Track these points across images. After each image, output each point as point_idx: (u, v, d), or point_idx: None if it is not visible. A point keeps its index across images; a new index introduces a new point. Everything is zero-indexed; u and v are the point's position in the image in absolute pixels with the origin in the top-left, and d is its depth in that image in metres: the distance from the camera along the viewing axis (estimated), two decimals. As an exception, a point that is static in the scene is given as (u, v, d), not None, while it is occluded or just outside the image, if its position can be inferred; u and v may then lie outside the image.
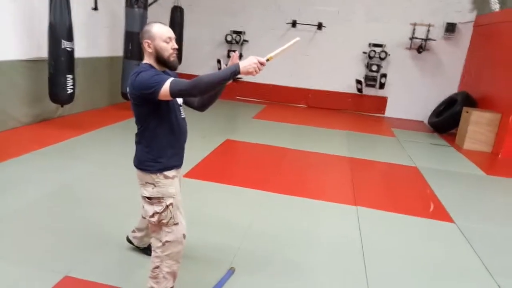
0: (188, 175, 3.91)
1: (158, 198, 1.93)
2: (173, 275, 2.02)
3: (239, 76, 1.79)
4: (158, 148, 1.92)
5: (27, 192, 3.28)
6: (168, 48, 1.87)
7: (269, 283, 2.39)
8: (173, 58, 1.89)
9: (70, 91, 4.98)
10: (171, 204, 1.94)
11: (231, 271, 2.41)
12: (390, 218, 3.48)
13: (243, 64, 1.72)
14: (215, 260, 2.55)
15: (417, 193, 4.22)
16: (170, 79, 1.76)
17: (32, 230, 2.73)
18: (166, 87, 1.73)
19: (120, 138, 5.07)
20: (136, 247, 2.52)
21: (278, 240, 2.91)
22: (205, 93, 1.84)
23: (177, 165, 2.03)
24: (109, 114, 6.32)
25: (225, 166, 4.65)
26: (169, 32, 1.89)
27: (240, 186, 3.87)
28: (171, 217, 1.95)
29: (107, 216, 3.02)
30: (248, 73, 1.73)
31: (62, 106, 5.31)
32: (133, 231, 2.49)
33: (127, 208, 3.08)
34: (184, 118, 2.05)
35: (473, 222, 3.54)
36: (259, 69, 1.74)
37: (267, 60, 1.78)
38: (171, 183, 1.96)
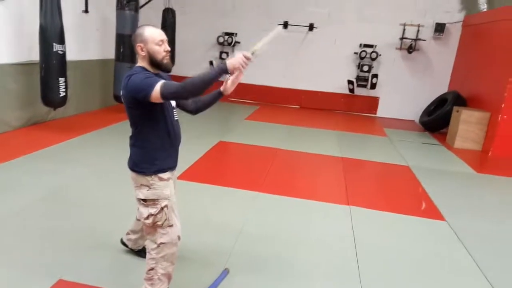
0: (182, 177, 3.92)
1: (153, 200, 1.94)
2: (168, 276, 2.03)
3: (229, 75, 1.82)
4: (153, 151, 1.93)
5: (20, 196, 3.27)
6: (161, 51, 1.89)
7: (263, 283, 2.41)
8: (166, 60, 1.91)
9: (62, 94, 4.96)
10: (165, 206, 1.96)
11: (226, 272, 2.43)
12: (382, 217, 3.52)
13: (230, 61, 1.77)
14: (210, 261, 2.56)
15: (409, 192, 4.27)
16: (161, 82, 1.77)
17: (26, 233, 2.72)
18: (157, 89, 1.74)
19: (113, 141, 5.05)
20: (131, 249, 2.52)
21: (271, 240, 2.93)
22: (196, 94, 1.86)
23: (172, 167, 2.04)
24: (102, 116, 6.29)
25: (218, 168, 4.66)
26: (161, 35, 1.90)
27: (233, 187, 3.89)
28: (165, 219, 1.96)
29: (100, 219, 3.02)
30: (235, 68, 1.78)
31: (54, 109, 5.28)
32: (128, 234, 2.49)
33: (121, 210, 3.08)
34: (177, 121, 2.06)
35: (464, 219, 3.60)
36: (246, 64, 1.79)
37: (252, 53, 1.82)
38: (166, 185, 1.97)
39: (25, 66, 5.10)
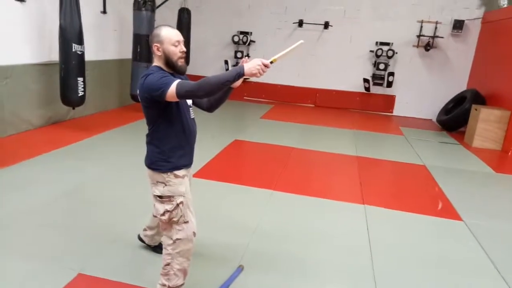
0: (198, 175, 3.96)
1: (169, 196, 1.98)
2: (184, 272, 2.07)
3: (246, 77, 1.83)
4: (169, 148, 1.97)
5: (41, 192, 3.36)
6: (177, 52, 1.92)
7: (277, 281, 2.43)
8: (181, 62, 1.95)
9: (81, 93, 5.07)
10: (181, 202, 1.99)
11: (240, 269, 2.45)
12: (398, 216, 3.50)
13: (248, 66, 1.78)
14: (225, 258, 2.59)
15: (425, 191, 4.22)
16: (177, 81, 1.81)
17: (46, 229, 2.80)
18: (172, 88, 1.78)
19: (131, 139, 5.15)
20: (147, 245, 2.58)
21: (286, 239, 2.94)
22: (211, 94, 1.89)
23: (187, 164, 2.08)
24: (119, 116, 6.41)
25: (234, 166, 4.69)
26: (177, 36, 1.94)
27: (248, 185, 3.91)
28: (181, 215, 2.00)
29: (118, 215, 3.09)
30: (252, 74, 1.79)
31: (73, 109, 5.41)
32: (145, 230, 2.54)
33: (138, 207, 3.14)
34: (193, 119, 2.10)
35: (482, 220, 3.54)
36: (263, 71, 1.80)
37: (271, 62, 1.83)
38: (181, 182, 2.01)
39: (45, 66, 5.24)
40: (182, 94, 1.80)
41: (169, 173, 1.97)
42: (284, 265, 2.60)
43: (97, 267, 2.39)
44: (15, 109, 4.85)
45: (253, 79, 8.11)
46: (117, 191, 3.55)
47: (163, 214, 1.99)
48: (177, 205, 1.98)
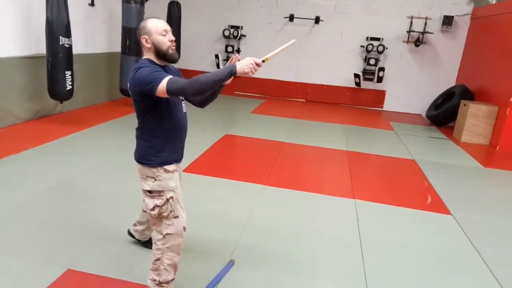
0: (188, 169, 3.94)
1: (159, 191, 1.96)
2: (174, 267, 2.05)
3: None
4: (159, 143, 1.95)
5: (28, 187, 3.31)
6: (166, 41, 1.89)
7: (268, 275, 2.43)
8: (172, 50, 1.91)
9: (69, 87, 4.99)
10: (171, 197, 1.97)
11: (231, 263, 2.45)
12: (388, 210, 3.52)
13: (240, 65, 1.76)
14: (215, 252, 2.58)
15: (414, 186, 4.26)
16: (168, 77, 1.77)
17: (34, 225, 2.76)
18: (163, 84, 1.75)
19: (119, 134, 5.09)
20: (138, 240, 2.56)
21: (276, 233, 2.94)
22: (202, 93, 1.87)
23: (177, 159, 2.06)
24: (108, 110, 6.33)
25: (224, 161, 4.68)
26: (164, 25, 1.91)
27: (239, 180, 3.90)
28: (171, 210, 1.98)
29: (108, 210, 3.05)
30: (244, 73, 1.77)
31: (61, 103, 5.33)
32: (134, 225, 2.52)
33: (128, 202, 3.12)
34: (185, 113, 2.07)
35: (470, 214, 3.58)
36: (255, 70, 1.78)
37: (263, 61, 1.82)
38: (171, 177, 1.99)
39: (32, 59, 5.14)
40: (172, 91, 1.77)
41: (159, 168, 1.95)
42: (275, 259, 2.60)
43: (86, 262, 2.36)
44: (1, 102, 4.74)
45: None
46: (106, 185, 3.51)
47: (153, 209, 1.97)
48: (167, 200, 1.96)
